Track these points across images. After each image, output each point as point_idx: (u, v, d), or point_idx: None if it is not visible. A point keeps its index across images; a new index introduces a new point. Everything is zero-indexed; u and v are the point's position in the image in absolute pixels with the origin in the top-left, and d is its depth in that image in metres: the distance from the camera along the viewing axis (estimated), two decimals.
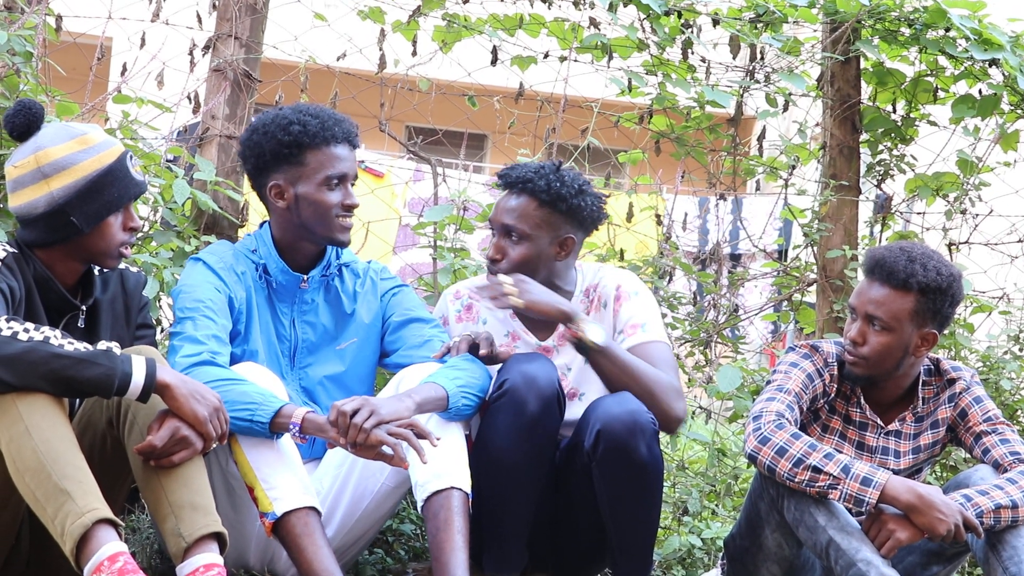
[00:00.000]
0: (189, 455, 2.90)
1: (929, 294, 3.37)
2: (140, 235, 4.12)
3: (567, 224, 3.50)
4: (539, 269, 3.50)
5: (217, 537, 2.84)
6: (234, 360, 3.33)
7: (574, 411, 3.51)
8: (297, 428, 3.07)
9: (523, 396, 3.25)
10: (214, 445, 2.96)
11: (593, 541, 3.55)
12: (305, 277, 3.43)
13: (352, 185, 3.41)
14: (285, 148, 3.33)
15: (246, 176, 3.46)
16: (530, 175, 3.49)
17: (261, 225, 3.48)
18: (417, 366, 3.36)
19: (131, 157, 3.12)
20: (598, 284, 3.63)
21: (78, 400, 3.06)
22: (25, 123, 3.06)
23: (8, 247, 3.04)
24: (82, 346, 2.79)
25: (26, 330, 2.76)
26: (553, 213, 3.48)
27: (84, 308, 3.14)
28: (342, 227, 3.38)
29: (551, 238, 3.50)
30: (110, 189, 3.06)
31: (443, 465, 3.18)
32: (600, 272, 3.67)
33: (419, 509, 3.19)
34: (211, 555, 2.81)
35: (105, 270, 3.21)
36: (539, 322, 3.58)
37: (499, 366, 3.39)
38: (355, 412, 3.04)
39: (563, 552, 3.58)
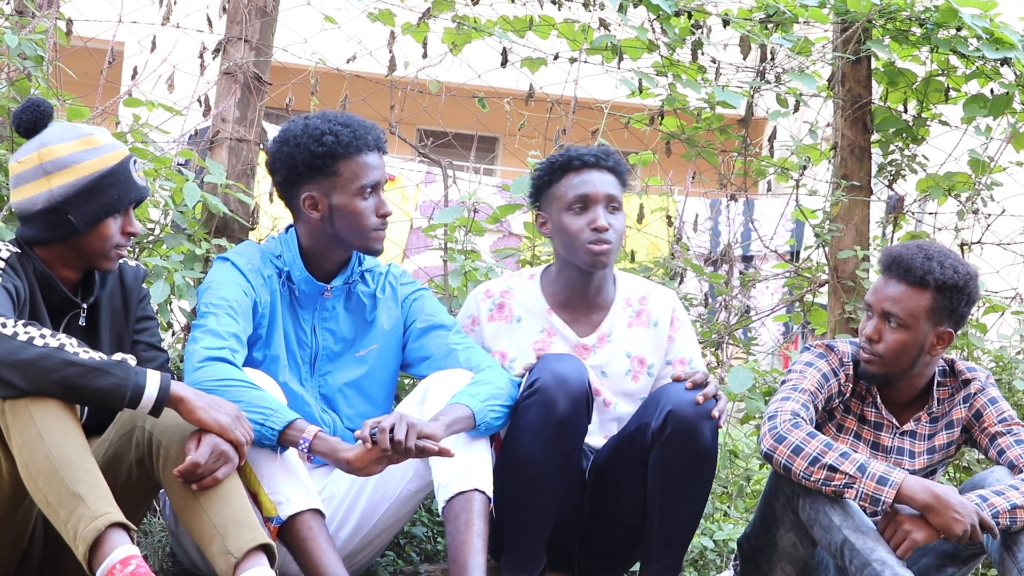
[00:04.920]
0: (230, 469, 2.89)
1: (946, 292, 3.36)
2: (151, 238, 4.11)
3: None
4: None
5: (265, 550, 2.82)
6: (254, 364, 3.32)
7: (607, 415, 3.56)
8: (307, 444, 3.06)
9: (553, 396, 3.25)
10: (247, 451, 2.94)
11: (623, 540, 3.56)
12: (328, 286, 3.41)
13: (383, 191, 3.41)
14: (319, 159, 3.31)
15: (274, 186, 3.44)
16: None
17: (287, 229, 3.46)
18: (444, 372, 3.36)
19: (135, 161, 3.11)
20: (644, 298, 3.67)
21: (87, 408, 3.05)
22: (32, 120, 3.06)
23: (11, 246, 3.03)
24: (97, 355, 2.78)
25: (42, 336, 2.75)
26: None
27: (85, 306, 3.13)
28: (377, 236, 3.38)
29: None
30: (110, 191, 3.04)
31: (466, 467, 3.17)
32: (643, 286, 3.70)
33: (440, 510, 3.18)
34: (262, 568, 2.79)
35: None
36: (579, 318, 3.62)
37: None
38: (393, 427, 3.03)
39: (588, 552, 3.58)
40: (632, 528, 3.52)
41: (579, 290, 3.62)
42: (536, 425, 3.26)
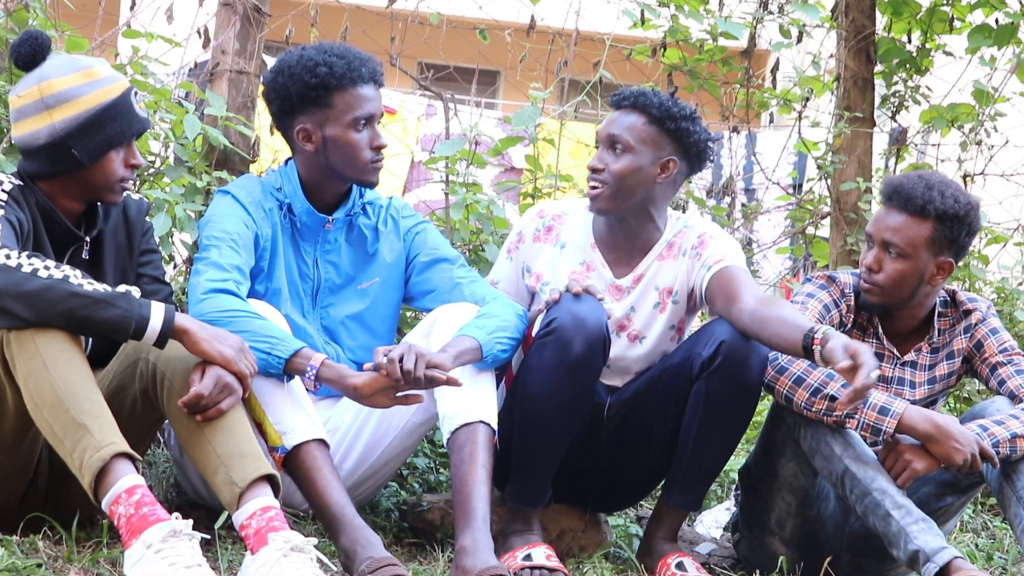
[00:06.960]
0: (234, 401, 2.90)
1: (946, 221, 3.36)
2: (152, 171, 4.10)
3: (672, 146, 3.48)
4: (638, 187, 3.47)
5: (269, 480, 2.83)
6: (257, 297, 3.31)
7: (635, 351, 3.54)
8: (314, 371, 3.06)
9: (570, 336, 3.23)
10: (251, 382, 2.95)
11: (641, 477, 3.60)
12: (330, 218, 3.41)
13: (378, 124, 3.39)
14: (312, 90, 3.29)
15: (270, 117, 3.43)
16: (645, 92, 3.50)
17: (286, 162, 3.45)
18: (450, 306, 3.36)
19: (135, 93, 3.09)
20: (682, 231, 3.58)
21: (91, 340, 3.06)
22: (31, 53, 3.03)
23: (13, 179, 3.02)
24: (102, 287, 2.78)
25: (47, 267, 2.75)
26: (660, 131, 3.46)
27: (88, 239, 3.13)
28: (373, 168, 3.36)
29: (654, 156, 3.46)
30: (112, 124, 3.03)
31: (471, 399, 3.18)
32: (685, 220, 3.62)
33: (444, 442, 3.19)
34: (266, 498, 2.79)
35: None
36: (620, 258, 3.58)
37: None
38: (402, 357, 3.04)
39: (600, 488, 3.60)
40: (652, 465, 3.53)
41: (620, 229, 3.56)
42: (551, 363, 3.25)
